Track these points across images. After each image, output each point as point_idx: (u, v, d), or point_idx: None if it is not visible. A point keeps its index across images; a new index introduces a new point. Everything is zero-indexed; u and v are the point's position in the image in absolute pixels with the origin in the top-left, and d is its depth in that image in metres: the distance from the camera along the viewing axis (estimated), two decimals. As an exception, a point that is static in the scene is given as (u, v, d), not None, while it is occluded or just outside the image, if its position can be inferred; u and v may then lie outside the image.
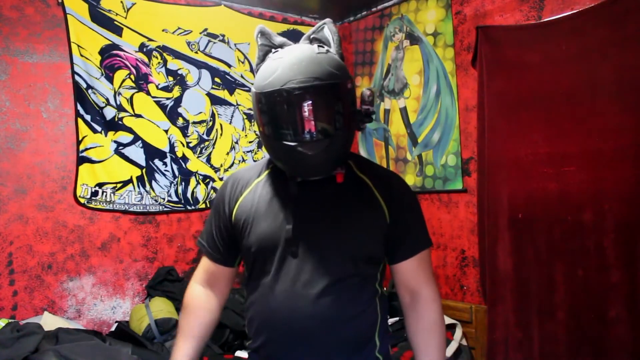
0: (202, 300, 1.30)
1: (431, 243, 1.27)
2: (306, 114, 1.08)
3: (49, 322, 2.26)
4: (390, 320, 2.80)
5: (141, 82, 2.86)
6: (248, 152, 3.24)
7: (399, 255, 1.22)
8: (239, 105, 3.20)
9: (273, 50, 1.19)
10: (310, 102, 1.08)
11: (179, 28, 3.00)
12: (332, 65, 1.11)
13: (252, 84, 1.17)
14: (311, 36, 1.20)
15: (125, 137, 2.78)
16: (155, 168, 2.88)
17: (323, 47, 1.16)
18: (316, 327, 1.12)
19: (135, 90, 2.84)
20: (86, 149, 2.66)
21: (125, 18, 2.82)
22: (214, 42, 3.13)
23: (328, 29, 1.18)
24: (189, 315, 1.29)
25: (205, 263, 1.32)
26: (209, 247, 1.30)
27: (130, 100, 2.81)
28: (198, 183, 3.02)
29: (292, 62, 1.10)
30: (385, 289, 1.31)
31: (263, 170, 1.28)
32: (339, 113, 1.13)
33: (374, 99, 1.20)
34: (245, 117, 3.22)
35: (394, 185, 1.25)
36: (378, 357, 1.20)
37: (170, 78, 2.96)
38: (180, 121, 2.98)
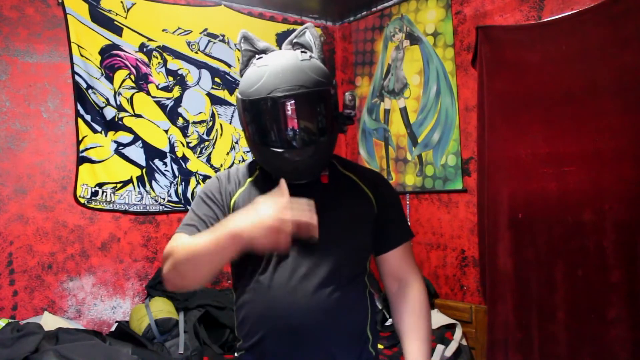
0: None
1: (413, 235, 1.34)
2: (293, 121, 1.12)
3: (49, 322, 2.26)
4: (390, 320, 2.81)
5: (141, 82, 2.86)
6: (248, 152, 3.24)
7: (386, 245, 1.28)
8: (239, 105, 3.20)
9: (257, 56, 1.22)
10: (297, 109, 1.11)
11: (179, 28, 3.00)
12: (316, 72, 1.15)
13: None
14: (293, 41, 1.24)
15: (125, 137, 2.78)
16: (155, 168, 2.88)
17: (306, 52, 1.19)
18: (315, 321, 1.13)
19: (135, 90, 2.84)
20: (86, 149, 2.66)
21: (125, 18, 2.82)
22: (214, 42, 3.13)
23: (310, 34, 1.22)
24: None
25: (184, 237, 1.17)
26: (197, 225, 1.18)
27: (130, 100, 2.81)
28: (198, 183, 3.02)
29: (277, 70, 1.13)
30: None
31: (254, 169, 1.30)
32: (323, 119, 1.17)
33: (356, 102, 1.24)
34: (245, 117, 3.22)
35: (379, 181, 1.32)
36: (371, 352, 1.23)
37: (170, 78, 2.96)
38: (180, 121, 2.98)
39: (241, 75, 1.22)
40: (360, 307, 1.21)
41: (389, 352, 2.47)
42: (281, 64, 1.14)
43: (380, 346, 2.35)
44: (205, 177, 3.05)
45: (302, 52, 1.19)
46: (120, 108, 2.77)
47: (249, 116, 1.16)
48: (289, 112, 1.11)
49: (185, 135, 2.99)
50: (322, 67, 1.19)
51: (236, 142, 3.20)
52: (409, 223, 3.04)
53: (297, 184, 1.21)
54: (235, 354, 1.26)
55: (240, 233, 0.98)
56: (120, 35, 2.80)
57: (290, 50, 1.22)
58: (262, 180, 1.26)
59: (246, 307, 1.21)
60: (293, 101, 1.11)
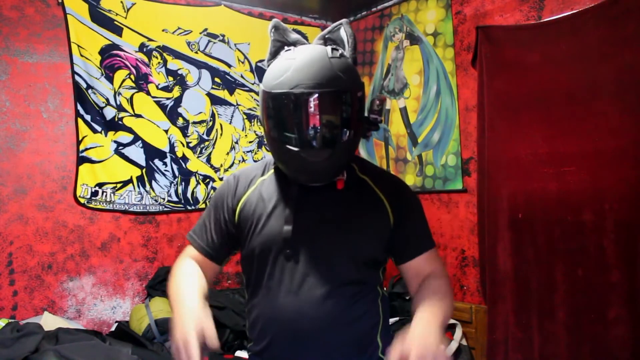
0: (196, 268, 1.22)
1: (434, 244, 1.25)
2: (312, 119, 1.07)
3: (49, 322, 2.26)
4: (391, 320, 2.80)
5: (141, 82, 2.86)
6: (248, 152, 3.24)
7: (406, 254, 1.21)
8: (239, 105, 3.20)
9: (286, 47, 1.16)
10: (317, 108, 1.06)
11: (179, 28, 3.00)
12: (343, 71, 1.09)
13: (253, 83, 1.16)
14: (326, 36, 1.17)
15: (125, 137, 2.78)
16: (155, 168, 2.88)
17: (337, 49, 1.13)
18: (321, 329, 1.11)
19: (135, 90, 2.84)
20: (86, 149, 2.66)
21: (125, 18, 2.82)
22: (214, 42, 3.13)
23: (344, 30, 1.14)
24: (187, 275, 1.18)
25: (191, 252, 1.26)
26: (200, 240, 1.24)
27: (130, 100, 2.81)
28: (198, 183, 3.02)
29: (303, 65, 1.07)
30: (385, 289, 1.30)
31: (268, 168, 1.26)
32: (345, 121, 1.11)
33: (383, 107, 1.19)
34: (245, 117, 3.22)
35: (399, 188, 1.24)
36: (381, 358, 1.20)
37: (170, 78, 2.96)
38: (180, 121, 2.98)
39: (267, 67, 1.16)
40: (368, 315, 1.18)
41: (389, 352, 2.47)
42: (309, 58, 1.08)
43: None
44: (205, 177, 3.05)
45: (333, 49, 1.12)
46: (120, 108, 2.77)
47: (269, 110, 1.11)
48: (310, 111, 1.05)
49: (185, 135, 2.99)
50: (352, 67, 1.12)
51: (236, 142, 3.20)
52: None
53: (310, 188, 1.18)
54: (241, 352, 1.26)
55: (174, 326, 1.02)
56: (120, 35, 2.80)
57: (321, 46, 1.14)
58: (278, 178, 1.22)
59: (255, 310, 1.20)
60: (315, 99, 1.05)
